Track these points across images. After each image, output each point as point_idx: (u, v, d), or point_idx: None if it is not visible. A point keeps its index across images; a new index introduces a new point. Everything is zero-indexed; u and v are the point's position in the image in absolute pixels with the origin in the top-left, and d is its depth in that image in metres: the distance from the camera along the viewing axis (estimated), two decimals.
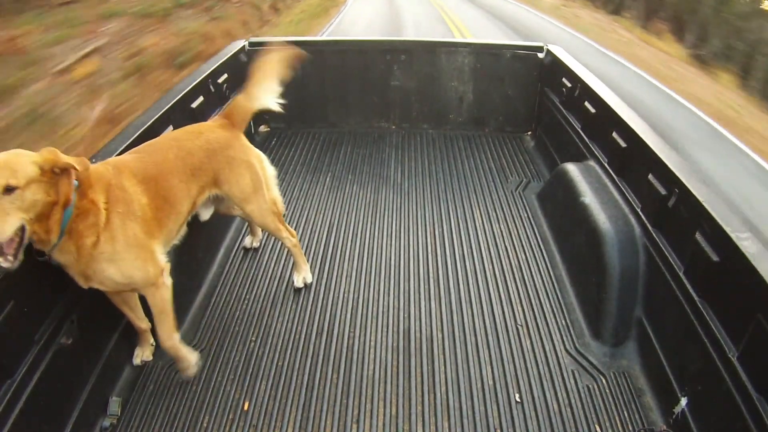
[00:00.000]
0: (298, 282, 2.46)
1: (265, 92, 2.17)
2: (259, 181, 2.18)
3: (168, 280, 1.82)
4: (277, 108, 2.19)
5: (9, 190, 1.35)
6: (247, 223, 2.76)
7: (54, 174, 1.44)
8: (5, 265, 1.36)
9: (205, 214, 2.25)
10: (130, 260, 1.67)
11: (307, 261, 2.62)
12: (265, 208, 2.23)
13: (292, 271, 2.51)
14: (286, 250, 2.71)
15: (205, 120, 3.08)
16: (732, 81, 13.89)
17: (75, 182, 1.51)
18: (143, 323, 1.99)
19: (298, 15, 15.15)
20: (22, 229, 1.38)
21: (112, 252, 1.62)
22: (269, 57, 2.17)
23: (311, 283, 2.48)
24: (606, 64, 11.34)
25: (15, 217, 1.36)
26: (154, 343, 2.06)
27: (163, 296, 1.81)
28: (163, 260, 1.81)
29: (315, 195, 3.24)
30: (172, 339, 1.88)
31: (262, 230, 2.73)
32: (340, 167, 3.59)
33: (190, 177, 1.93)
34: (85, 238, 1.55)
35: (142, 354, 2.06)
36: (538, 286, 2.48)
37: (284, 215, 3.02)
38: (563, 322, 2.27)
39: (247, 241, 2.74)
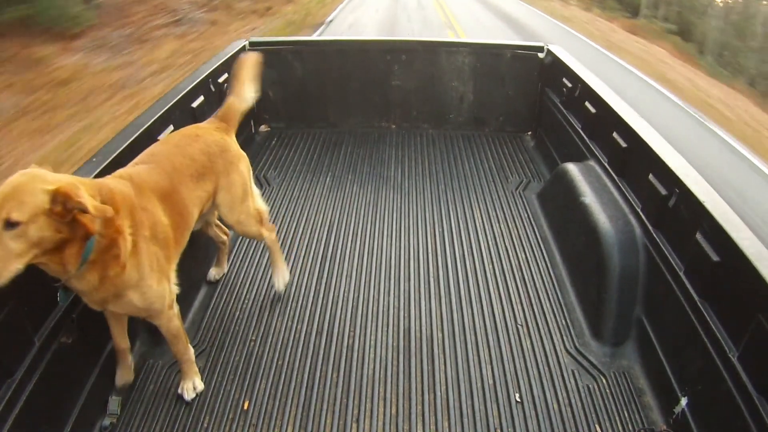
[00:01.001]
0: (279, 285, 2.37)
1: (250, 92, 2.19)
2: (247, 189, 2.13)
3: (177, 309, 1.80)
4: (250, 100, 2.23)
5: (11, 225, 1.21)
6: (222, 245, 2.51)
7: (67, 210, 1.28)
8: None
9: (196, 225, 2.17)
10: (153, 287, 1.62)
11: (308, 261, 2.63)
12: (248, 218, 2.15)
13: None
14: (286, 250, 2.71)
15: (206, 120, 3.10)
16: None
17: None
18: (124, 342, 1.89)
19: None
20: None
21: (138, 279, 1.55)
22: (247, 58, 2.23)
23: (310, 284, 2.48)
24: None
25: (16, 257, 1.22)
26: (132, 363, 1.97)
27: (176, 325, 1.80)
28: (175, 288, 1.77)
29: (315, 195, 3.24)
30: (188, 353, 1.89)
31: (228, 254, 2.55)
32: (340, 167, 3.59)
33: (196, 185, 1.87)
34: (110, 269, 1.45)
35: (123, 377, 1.93)
36: (538, 286, 2.48)
37: (284, 215, 3.02)
38: (563, 321, 2.27)
39: (212, 274, 2.49)
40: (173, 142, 1.94)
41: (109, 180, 1.61)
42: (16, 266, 1.24)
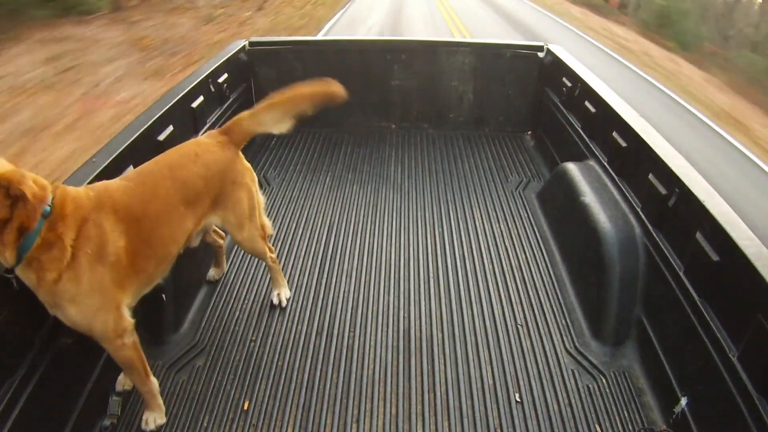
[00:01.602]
0: (276, 299, 2.34)
1: (274, 120, 1.94)
2: (255, 205, 2.04)
3: (129, 339, 1.66)
4: (277, 133, 1.99)
5: None
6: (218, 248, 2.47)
7: (8, 194, 1.32)
8: None
9: (194, 241, 2.12)
10: (92, 307, 1.53)
11: (308, 261, 2.63)
12: (256, 235, 2.09)
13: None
14: (286, 250, 2.71)
15: (205, 120, 3.10)
16: None
17: (46, 208, 1.41)
18: None
19: None
20: None
21: (74, 293, 1.48)
22: (301, 88, 1.93)
23: (310, 284, 2.48)
24: None
25: None
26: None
27: (125, 356, 1.67)
28: (127, 318, 1.64)
29: (315, 195, 3.24)
30: (147, 386, 1.77)
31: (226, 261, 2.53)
32: (340, 167, 3.59)
33: (185, 211, 1.75)
34: (45, 272, 1.43)
35: (125, 382, 1.92)
36: (538, 285, 2.48)
37: (284, 215, 3.02)
38: (563, 321, 2.27)
39: (211, 274, 2.47)
40: (167, 164, 1.80)
41: (71, 187, 1.54)
42: None
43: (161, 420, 1.82)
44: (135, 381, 1.79)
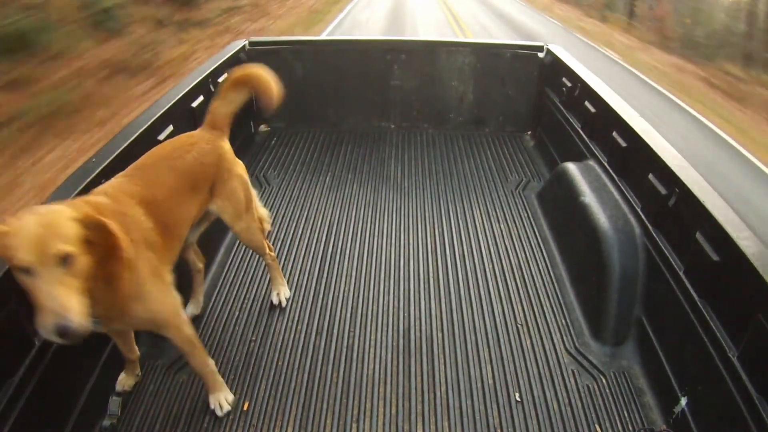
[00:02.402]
0: (276, 298, 2.34)
1: (239, 97, 2.03)
2: (250, 196, 2.07)
3: (186, 315, 1.72)
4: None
5: (66, 260, 1.18)
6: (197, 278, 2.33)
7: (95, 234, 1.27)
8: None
9: (193, 236, 2.13)
10: (156, 295, 1.55)
11: (308, 261, 2.63)
12: (254, 226, 2.11)
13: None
14: (286, 249, 2.71)
15: (205, 120, 3.09)
16: None
17: None
18: (132, 354, 1.89)
19: None
20: None
21: (139, 286, 1.49)
22: (243, 68, 2.03)
23: (310, 284, 2.48)
24: None
25: (82, 293, 1.20)
26: (139, 374, 1.97)
27: (188, 334, 1.70)
28: (177, 294, 1.68)
29: (315, 195, 3.24)
30: (209, 365, 1.81)
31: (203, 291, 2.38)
32: (340, 167, 3.59)
33: (186, 196, 1.78)
34: (121, 289, 1.40)
35: (126, 383, 1.92)
36: (538, 285, 2.48)
37: (284, 215, 3.02)
38: (563, 321, 2.27)
39: (190, 310, 2.27)
40: (161, 154, 1.82)
41: (80, 199, 1.51)
42: (85, 302, 1.20)
43: (230, 396, 1.87)
44: (197, 363, 1.78)
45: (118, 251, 1.33)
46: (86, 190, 1.85)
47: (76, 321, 1.16)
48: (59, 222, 1.21)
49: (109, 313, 1.45)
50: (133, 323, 1.57)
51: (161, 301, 1.59)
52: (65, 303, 1.16)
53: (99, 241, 1.29)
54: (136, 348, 1.93)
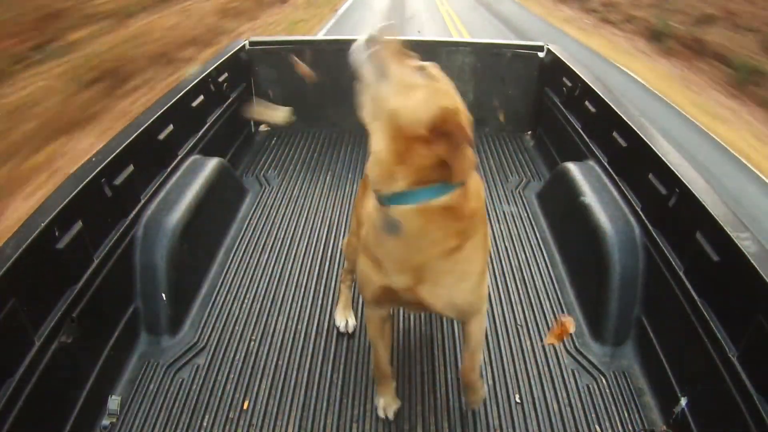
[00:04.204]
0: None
1: None
2: None
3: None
4: None
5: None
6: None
7: (440, 134, 1.15)
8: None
9: None
10: (480, 280, 1.45)
11: (308, 261, 2.62)
12: None
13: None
14: (286, 250, 2.71)
15: (205, 120, 3.10)
16: None
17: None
18: (389, 366, 1.79)
19: None
20: None
21: (467, 271, 1.38)
22: None
23: (310, 284, 2.48)
24: None
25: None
26: (395, 385, 1.89)
27: (483, 327, 1.63)
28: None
29: (315, 194, 3.24)
30: (477, 370, 1.72)
31: None
32: (340, 166, 3.59)
33: None
34: (448, 240, 1.27)
35: (391, 407, 1.83)
36: (538, 286, 2.48)
37: (284, 214, 3.02)
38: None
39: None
40: None
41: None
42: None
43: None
44: (476, 362, 1.67)
45: (461, 196, 1.22)
46: (86, 190, 1.86)
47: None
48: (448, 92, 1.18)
49: (420, 265, 1.31)
50: (451, 301, 1.42)
51: (482, 289, 1.49)
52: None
53: (448, 143, 1.15)
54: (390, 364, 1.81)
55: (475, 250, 1.37)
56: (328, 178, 3.44)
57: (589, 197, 2.48)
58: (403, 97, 1.17)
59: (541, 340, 2.17)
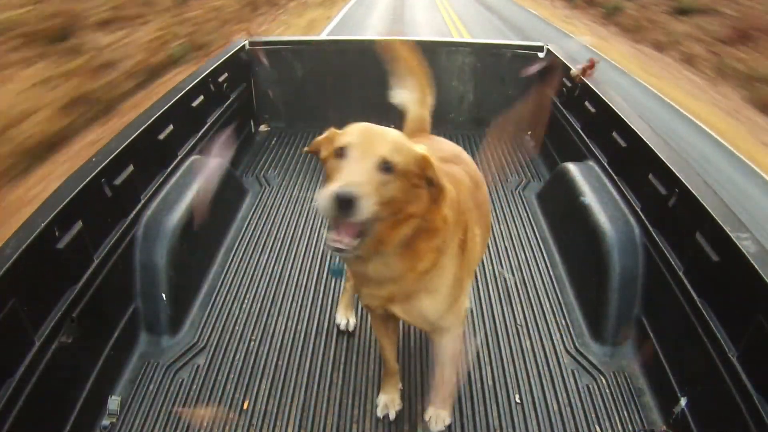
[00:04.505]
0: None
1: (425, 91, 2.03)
2: None
3: (463, 328, 1.60)
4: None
5: (387, 168, 1.11)
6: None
7: (419, 179, 1.18)
8: (339, 246, 1.13)
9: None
10: (448, 298, 1.43)
11: (308, 261, 2.62)
12: None
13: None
14: (286, 250, 2.70)
15: (205, 120, 3.10)
16: None
17: None
18: (396, 363, 1.79)
19: None
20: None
21: (438, 285, 1.38)
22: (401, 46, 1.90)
23: (310, 284, 2.48)
24: None
25: (376, 203, 1.09)
26: (401, 387, 1.89)
27: (458, 347, 1.59)
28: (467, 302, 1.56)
29: (315, 195, 3.23)
30: (446, 391, 1.67)
31: None
32: None
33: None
34: (419, 261, 1.28)
35: (394, 404, 1.82)
36: (538, 286, 2.48)
37: (284, 214, 3.02)
38: (563, 322, 2.27)
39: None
40: (455, 154, 1.81)
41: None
42: (374, 210, 1.09)
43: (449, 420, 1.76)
44: (450, 377, 1.62)
45: (435, 212, 1.23)
46: (86, 190, 1.86)
47: (363, 203, 1.05)
48: (402, 143, 1.16)
49: (392, 289, 1.33)
50: (410, 315, 1.43)
51: (458, 304, 1.47)
52: (360, 182, 1.07)
53: (424, 184, 1.19)
54: (396, 360, 1.82)
55: (450, 259, 1.38)
56: None
57: (589, 197, 2.48)
58: None
59: (541, 340, 2.17)
